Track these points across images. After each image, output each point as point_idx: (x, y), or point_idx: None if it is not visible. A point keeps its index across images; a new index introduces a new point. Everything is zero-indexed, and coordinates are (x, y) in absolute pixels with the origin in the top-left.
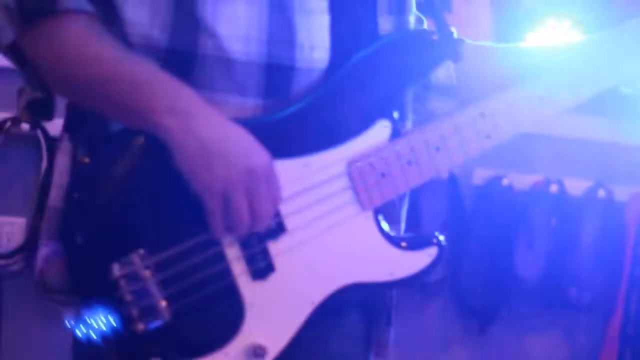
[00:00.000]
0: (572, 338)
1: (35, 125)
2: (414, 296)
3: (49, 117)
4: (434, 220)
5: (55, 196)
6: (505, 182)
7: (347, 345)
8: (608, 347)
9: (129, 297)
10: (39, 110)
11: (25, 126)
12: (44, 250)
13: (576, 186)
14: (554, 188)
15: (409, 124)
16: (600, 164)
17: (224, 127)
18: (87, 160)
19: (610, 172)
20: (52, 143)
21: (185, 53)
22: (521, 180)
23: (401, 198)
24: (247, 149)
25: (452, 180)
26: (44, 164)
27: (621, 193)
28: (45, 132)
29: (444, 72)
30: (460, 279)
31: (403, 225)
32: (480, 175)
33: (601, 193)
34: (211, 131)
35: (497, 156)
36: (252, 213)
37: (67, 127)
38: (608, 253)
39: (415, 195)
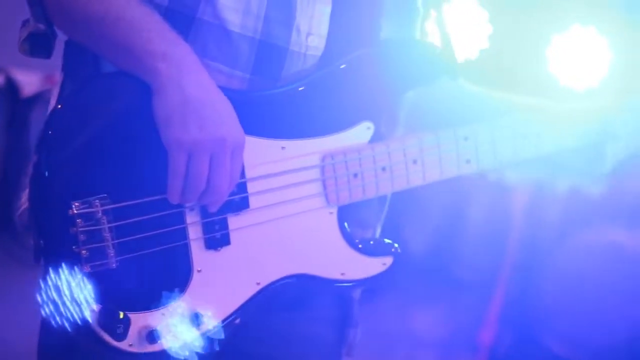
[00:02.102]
0: (454, 315)
1: None
2: None
3: (48, 54)
4: None
5: None
6: None
7: (318, 327)
8: (488, 326)
9: (81, 237)
10: (38, 45)
11: None
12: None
13: None
14: None
15: (399, 131)
16: None
17: (210, 90)
18: (62, 103)
19: None
20: None
21: (184, 15)
22: None
23: (381, 203)
24: (225, 119)
25: None
26: None
27: (510, 177)
28: None
29: None
30: None
31: (379, 230)
32: None
33: (491, 176)
34: (197, 89)
35: None
36: (208, 182)
37: (63, 67)
38: (494, 234)
39: None
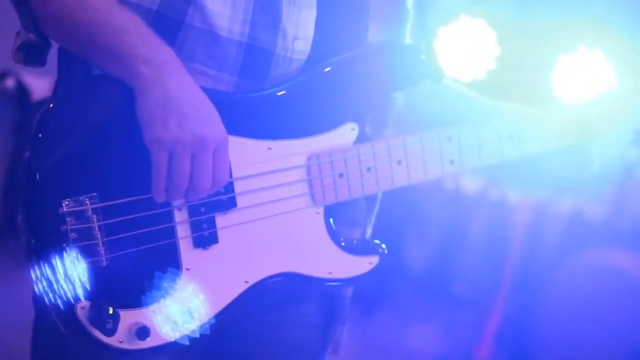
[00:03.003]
0: (451, 332)
1: None
2: None
3: (41, 63)
4: None
5: None
6: None
7: (303, 331)
8: (484, 344)
9: (72, 235)
10: (31, 54)
11: None
12: None
13: (469, 185)
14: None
15: (387, 133)
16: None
17: (191, 91)
18: (54, 103)
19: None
20: None
21: (173, 20)
22: None
23: (370, 203)
24: (206, 118)
25: None
26: None
27: (512, 196)
28: None
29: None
30: None
31: (369, 230)
32: None
33: (493, 194)
34: (178, 89)
35: None
36: (191, 181)
37: (58, 70)
38: (493, 253)
39: None
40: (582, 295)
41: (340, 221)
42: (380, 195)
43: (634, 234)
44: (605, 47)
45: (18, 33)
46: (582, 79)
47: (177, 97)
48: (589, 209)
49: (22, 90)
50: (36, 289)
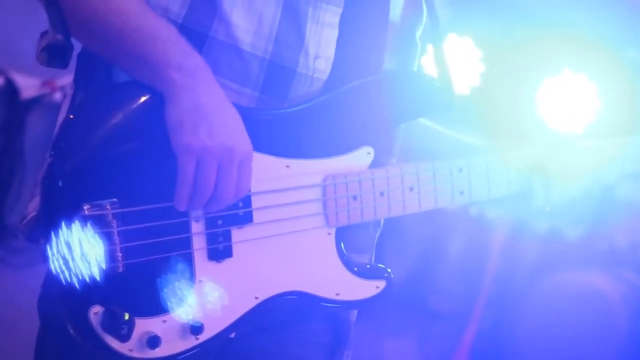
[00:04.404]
0: (425, 346)
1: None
2: None
3: (65, 65)
4: None
5: None
6: None
7: (309, 351)
8: (458, 358)
9: None
10: (56, 56)
11: None
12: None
13: None
14: None
15: (393, 161)
16: None
17: (221, 101)
18: (75, 111)
19: None
20: None
21: (197, 33)
22: None
23: (375, 226)
24: (234, 130)
25: None
26: None
27: (490, 214)
28: None
29: None
30: None
31: (373, 256)
32: None
33: (472, 210)
34: (209, 98)
35: None
36: (215, 189)
37: (75, 79)
38: (471, 269)
39: None
40: (557, 314)
41: (349, 245)
42: (382, 221)
43: (611, 255)
44: (590, 72)
45: (44, 34)
46: (566, 102)
47: (207, 105)
48: (567, 229)
49: (11, 88)
50: (51, 288)
